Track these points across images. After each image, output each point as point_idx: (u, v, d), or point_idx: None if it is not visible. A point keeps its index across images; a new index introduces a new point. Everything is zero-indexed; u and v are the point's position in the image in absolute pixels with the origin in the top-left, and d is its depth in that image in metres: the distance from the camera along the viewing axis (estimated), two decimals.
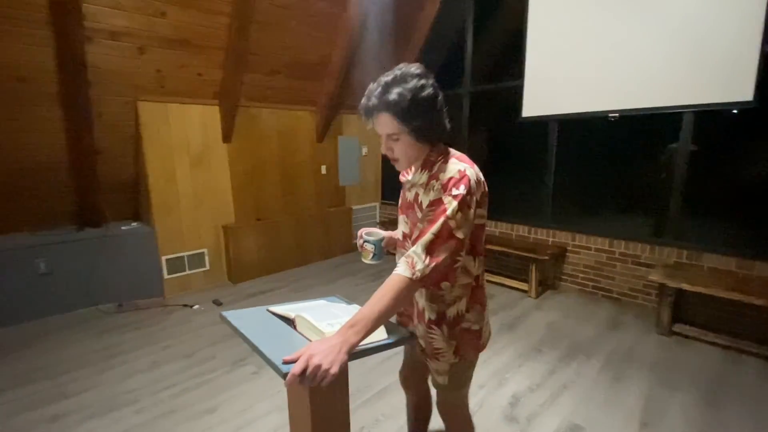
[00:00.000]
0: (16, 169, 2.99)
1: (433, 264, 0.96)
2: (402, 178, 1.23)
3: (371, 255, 1.26)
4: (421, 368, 1.41)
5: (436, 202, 1.01)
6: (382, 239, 1.27)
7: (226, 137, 3.90)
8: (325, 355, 0.83)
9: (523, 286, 3.73)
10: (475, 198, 1.02)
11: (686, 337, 2.84)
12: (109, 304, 3.46)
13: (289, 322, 1.09)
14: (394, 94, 0.97)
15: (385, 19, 4.12)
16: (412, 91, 0.97)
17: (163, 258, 3.66)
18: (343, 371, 1.08)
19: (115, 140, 3.34)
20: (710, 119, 2.94)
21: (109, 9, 2.74)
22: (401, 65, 1.03)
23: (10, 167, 2.96)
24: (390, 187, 5.47)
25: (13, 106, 2.75)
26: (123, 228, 3.57)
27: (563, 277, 3.83)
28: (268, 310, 1.17)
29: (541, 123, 3.79)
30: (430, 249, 0.97)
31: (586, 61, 3.38)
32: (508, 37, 4.10)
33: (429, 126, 1.02)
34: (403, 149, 1.06)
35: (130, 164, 3.56)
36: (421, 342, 1.23)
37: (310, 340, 0.99)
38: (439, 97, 1.04)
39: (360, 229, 1.33)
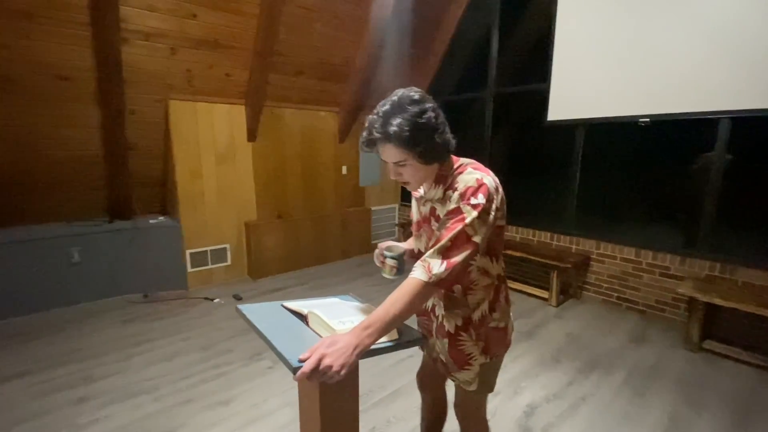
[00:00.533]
0: (54, 162, 3.16)
1: (450, 268, 0.98)
2: (415, 194, 1.25)
3: (394, 270, 1.24)
4: (439, 372, 1.40)
5: (455, 211, 1.02)
6: (403, 253, 1.27)
7: (251, 136, 3.99)
8: (336, 357, 0.84)
9: (544, 293, 3.64)
10: (494, 205, 1.03)
11: (716, 354, 2.69)
12: (136, 294, 3.60)
13: (302, 317, 1.10)
14: (394, 126, 0.98)
15: (409, 21, 4.13)
16: (412, 118, 0.98)
17: (188, 252, 3.78)
18: (354, 371, 1.08)
19: (146, 137, 3.47)
20: (748, 126, 2.80)
21: (145, 11, 2.86)
22: (397, 91, 1.04)
23: (50, 160, 3.13)
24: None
25: (55, 103, 2.91)
26: (151, 221, 3.70)
27: (586, 286, 3.71)
28: (282, 306, 1.19)
29: (567, 127, 3.70)
30: (446, 254, 0.99)
31: (616, 63, 3.28)
32: (534, 39, 4.03)
33: (433, 147, 1.03)
34: (411, 173, 1.07)
35: (159, 160, 3.69)
36: (442, 357, 1.23)
37: (321, 337, 1.00)
38: (440, 118, 1.04)
39: (379, 241, 1.34)
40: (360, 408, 1.35)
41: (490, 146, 4.44)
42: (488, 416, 2.05)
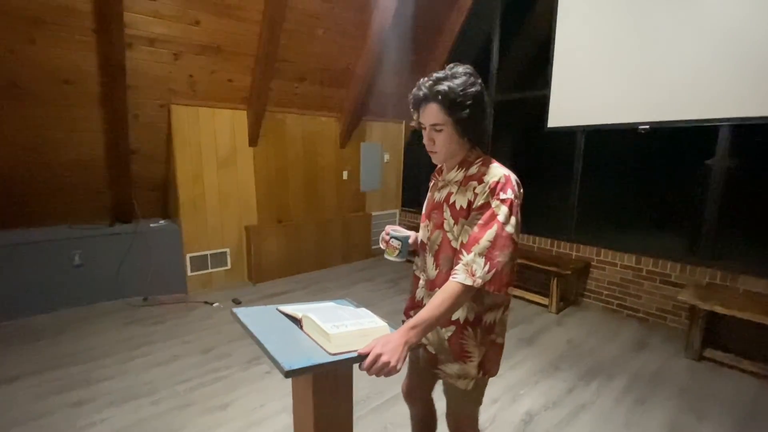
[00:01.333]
0: (58, 165, 3.18)
1: (494, 270, 0.99)
2: (433, 178, 1.26)
3: (397, 252, 1.25)
4: (426, 380, 1.39)
5: (484, 206, 1.04)
6: (408, 237, 1.28)
7: (253, 141, 4.02)
8: (391, 354, 0.91)
9: (543, 300, 3.63)
10: (519, 201, 1.06)
11: (718, 363, 2.67)
12: (136, 297, 3.61)
13: (297, 321, 1.11)
14: (444, 86, 1.02)
15: (410, 27, 4.16)
16: (462, 85, 1.03)
17: (188, 255, 3.79)
18: (348, 376, 1.09)
19: (148, 141, 3.50)
20: (749, 134, 2.79)
21: (149, 17, 2.90)
22: (451, 65, 1.08)
23: (53, 164, 3.16)
24: (410, 194, 5.46)
25: (59, 107, 2.94)
26: (152, 225, 3.72)
27: (586, 293, 3.70)
28: (277, 309, 1.19)
29: (568, 134, 3.71)
30: (488, 255, 1.00)
31: (616, 70, 3.29)
32: (535, 46, 4.05)
33: (473, 121, 1.05)
34: (444, 141, 1.08)
35: (161, 164, 3.72)
36: (432, 348, 1.22)
37: (315, 341, 1.00)
38: (485, 97, 1.08)
39: (385, 227, 1.34)
40: (356, 414, 1.35)
41: (490, 153, 4.43)
42: (485, 424, 2.04)
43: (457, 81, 1.02)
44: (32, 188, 3.19)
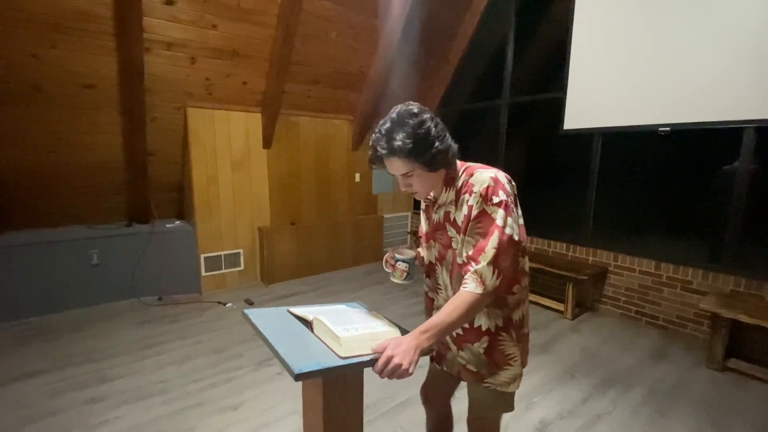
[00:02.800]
0: (77, 167, 3.27)
1: (502, 275, 1.02)
2: (425, 202, 1.28)
3: (405, 275, 1.25)
4: (447, 384, 1.40)
5: (481, 215, 1.05)
6: (414, 258, 1.27)
7: (266, 143, 4.05)
8: (403, 357, 0.91)
9: (559, 306, 3.55)
10: (513, 197, 1.07)
11: (742, 374, 2.57)
12: (151, 296, 3.66)
13: (307, 324, 1.10)
14: (398, 141, 1.02)
15: (424, 30, 4.15)
16: (413, 130, 1.02)
17: (202, 256, 3.83)
18: (358, 380, 1.07)
19: (165, 143, 3.57)
20: None
21: (167, 22, 2.96)
22: (395, 108, 1.08)
23: (73, 165, 3.24)
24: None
25: (79, 111, 3.02)
26: (167, 225, 3.78)
27: (603, 299, 3.61)
28: (288, 311, 1.19)
29: (584, 136, 3.63)
30: (495, 263, 1.01)
31: (635, 71, 3.21)
32: (550, 48, 3.99)
33: (437, 155, 1.06)
34: (419, 182, 1.11)
35: (177, 166, 3.78)
36: (472, 366, 1.20)
37: (326, 344, 0.99)
38: (439, 126, 1.07)
39: (387, 252, 1.33)
40: (366, 419, 1.32)
41: (504, 156, 4.40)
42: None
43: (407, 128, 1.02)
44: (52, 189, 3.27)
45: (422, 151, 1.03)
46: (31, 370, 2.48)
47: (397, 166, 1.08)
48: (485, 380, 1.20)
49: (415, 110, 1.05)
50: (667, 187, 3.34)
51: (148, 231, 3.65)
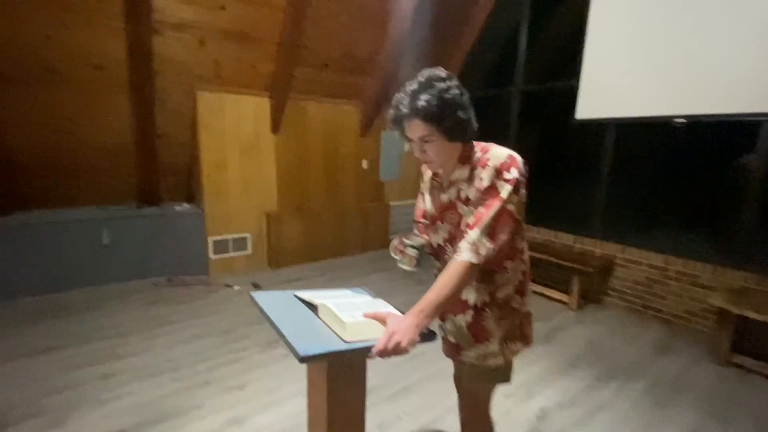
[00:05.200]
0: (88, 149, 3.30)
1: (497, 247, 1.03)
2: (427, 185, 1.28)
3: (414, 261, 1.22)
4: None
5: (491, 188, 1.05)
6: (423, 244, 1.24)
7: (275, 128, 4.05)
8: (403, 335, 0.93)
9: (564, 297, 3.55)
10: (524, 179, 1.07)
11: (746, 370, 2.56)
12: (160, 277, 3.73)
13: (313, 308, 1.11)
14: (422, 101, 1.02)
15: (436, 15, 4.06)
16: (439, 93, 1.02)
17: (210, 239, 3.88)
18: (362, 364, 1.09)
19: (175, 126, 3.58)
20: None
21: (176, 3, 2.94)
22: (424, 71, 1.07)
23: (84, 147, 3.27)
24: None
25: (90, 92, 3.04)
26: (177, 208, 3.82)
27: (609, 291, 3.59)
28: (294, 295, 1.20)
29: (597, 126, 3.57)
30: (491, 233, 1.02)
31: (651, 60, 3.13)
32: (565, 35, 3.90)
33: (458, 124, 1.06)
34: (436, 149, 1.09)
35: (186, 149, 3.80)
36: (452, 337, 1.24)
37: (331, 328, 1.01)
38: (465, 96, 1.08)
39: (395, 238, 1.30)
40: (369, 403, 1.35)
41: (515, 144, 4.34)
42: (498, 418, 2.02)
43: (434, 90, 1.02)
44: (63, 170, 3.32)
45: (445, 117, 1.03)
46: (45, 345, 2.56)
47: (417, 128, 1.06)
48: (461, 352, 1.23)
49: (444, 75, 1.05)
50: (680, 180, 3.29)
51: (158, 213, 3.70)
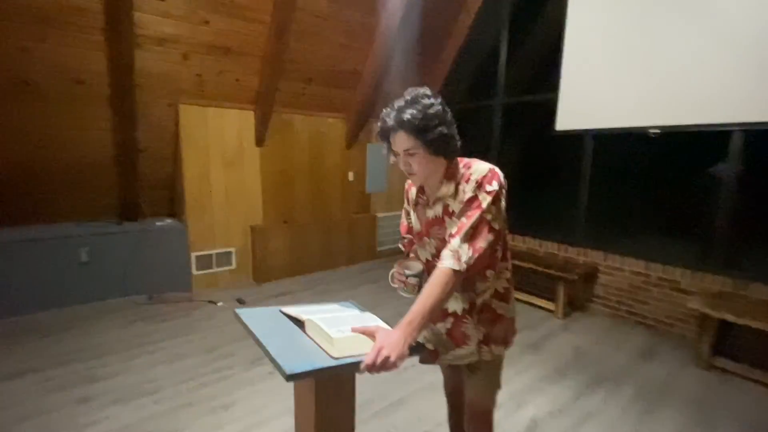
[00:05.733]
0: (67, 163, 3.21)
1: (477, 255, 1.06)
2: (411, 203, 1.33)
3: (416, 289, 1.22)
4: (453, 374, 1.48)
5: (472, 200, 1.10)
6: (422, 270, 1.25)
7: (259, 141, 4.03)
8: (392, 349, 0.93)
9: (549, 305, 3.58)
10: (504, 190, 1.12)
11: (728, 372, 2.61)
12: (141, 295, 3.62)
13: (300, 324, 1.09)
14: (407, 114, 1.08)
15: (418, 29, 4.14)
16: (423, 108, 1.08)
17: (193, 254, 3.80)
18: (350, 379, 1.07)
19: (156, 140, 3.53)
20: (762, 139, 2.74)
21: (158, 17, 2.92)
22: (410, 89, 1.13)
23: (62, 162, 3.19)
24: None
25: (69, 106, 2.97)
26: (158, 223, 3.74)
27: (593, 298, 3.65)
28: (280, 311, 1.18)
29: (576, 137, 3.66)
30: (471, 241, 1.06)
31: (627, 73, 3.25)
32: (544, 48, 4.02)
33: (441, 138, 1.10)
34: (419, 163, 1.13)
35: (168, 163, 3.74)
36: (431, 345, 1.27)
37: (318, 344, 0.99)
38: (448, 113, 1.13)
39: (395, 267, 1.30)
40: (358, 418, 1.32)
41: (498, 155, 4.42)
42: None
43: (418, 106, 1.08)
44: (41, 185, 3.22)
45: (428, 129, 1.07)
46: (20, 368, 2.44)
47: (401, 141, 1.11)
48: (438, 358, 1.27)
49: (429, 93, 1.12)
50: (658, 188, 3.39)
51: (139, 229, 3.61)
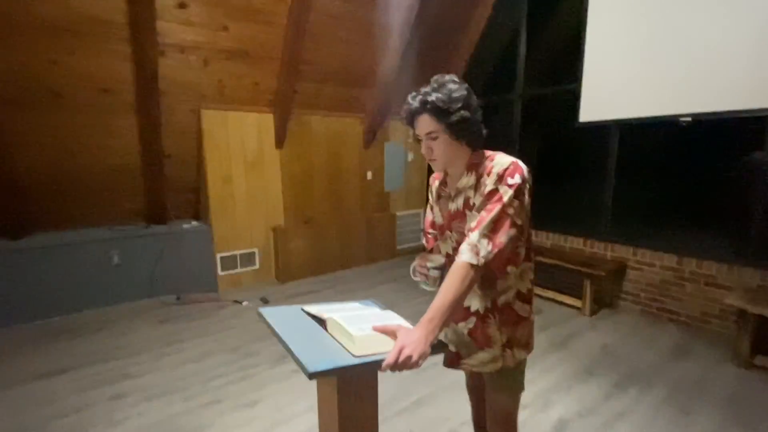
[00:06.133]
0: (96, 170, 3.35)
1: (497, 249, 1.02)
2: (435, 195, 1.30)
3: (438, 282, 1.22)
4: (474, 373, 1.43)
5: (492, 193, 1.07)
6: (444, 263, 1.25)
7: (279, 143, 4.08)
8: (414, 348, 0.92)
9: (576, 302, 3.48)
10: (528, 185, 1.09)
11: None
12: (169, 296, 3.74)
13: (321, 322, 1.10)
14: (431, 97, 1.08)
15: (434, 24, 4.10)
16: (447, 92, 1.08)
17: (218, 255, 3.89)
18: (373, 377, 1.07)
19: (180, 145, 3.63)
20: None
21: (180, 25, 3.00)
22: (437, 76, 1.14)
23: (91, 169, 3.32)
24: None
25: (97, 115, 3.09)
26: (184, 226, 3.85)
27: (622, 295, 3.52)
28: (302, 309, 1.19)
29: (601, 128, 3.55)
30: (491, 235, 1.03)
31: (653, 59, 3.11)
32: (564, 38, 3.91)
33: (464, 123, 1.09)
34: (441, 148, 1.12)
35: (192, 167, 3.84)
36: (452, 346, 1.24)
37: (340, 342, 0.99)
38: (473, 99, 1.12)
39: (405, 246, 1.32)
40: (383, 416, 1.32)
41: (519, 149, 4.33)
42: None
43: (444, 90, 1.08)
44: (72, 192, 3.36)
45: (451, 113, 1.07)
46: (57, 367, 2.57)
47: (424, 124, 1.11)
48: (462, 360, 1.23)
49: (456, 79, 1.12)
50: (689, 179, 3.24)
51: (166, 231, 3.73)
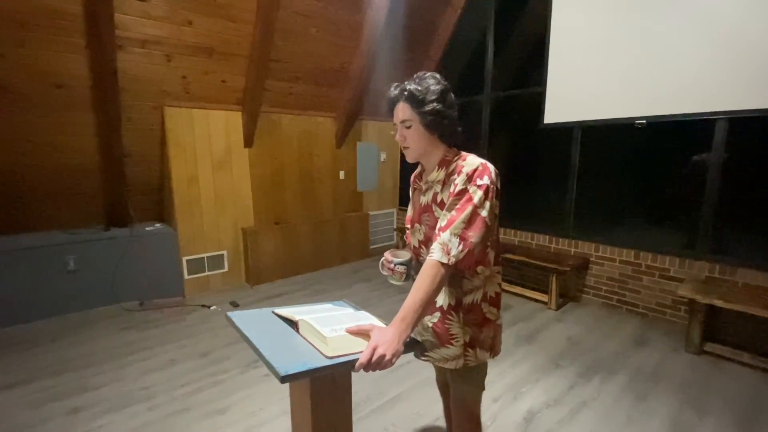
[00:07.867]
0: (51, 170, 3.15)
1: (467, 249, 1.05)
2: (415, 184, 1.33)
3: (404, 276, 1.27)
4: (442, 369, 1.45)
5: (462, 192, 1.10)
6: (410, 258, 1.28)
7: (248, 142, 3.99)
8: (387, 347, 0.93)
9: (543, 297, 3.62)
10: (496, 187, 1.12)
11: (718, 357, 2.67)
12: (132, 301, 3.57)
13: (293, 325, 1.08)
14: (410, 86, 1.15)
15: (405, 25, 4.14)
16: (426, 85, 1.14)
17: (184, 259, 3.75)
18: (347, 376, 1.07)
19: (142, 144, 3.47)
20: (745, 127, 2.79)
21: (140, 18, 2.87)
22: (420, 73, 1.19)
23: (46, 169, 3.12)
24: (407, 193, 5.43)
25: (50, 111, 2.91)
26: (147, 229, 3.69)
27: (585, 289, 3.69)
28: (273, 312, 1.17)
29: (564, 129, 3.69)
30: (462, 234, 1.06)
31: (612, 65, 3.28)
32: (531, 42, 4.04)
33: (438, 116, 1.13)
34: (414, 137, 1.17)
35: (156, 167, 3.68)
36: (419, 336, 1.25)
37: (312, 344, 0.98)
38: (450, 96, 1.17)
39: (378, 246, 1.34)
40: (356, 415, 1.32)
41: (487, 150, 4.44)
42: (487, 422, 2.02)
43: (423, 83, 1.14)
44: (25, 193, 3.15)
45: (425, 103, 1.12)
46: (9, 381, 2.39)
47: (401, 111, 1.17)
48: (426, 352, 1.25)
49: (437, 77, 1.17)
50: (645, 178, 3.44)
51: (127, 234, 3.55)
